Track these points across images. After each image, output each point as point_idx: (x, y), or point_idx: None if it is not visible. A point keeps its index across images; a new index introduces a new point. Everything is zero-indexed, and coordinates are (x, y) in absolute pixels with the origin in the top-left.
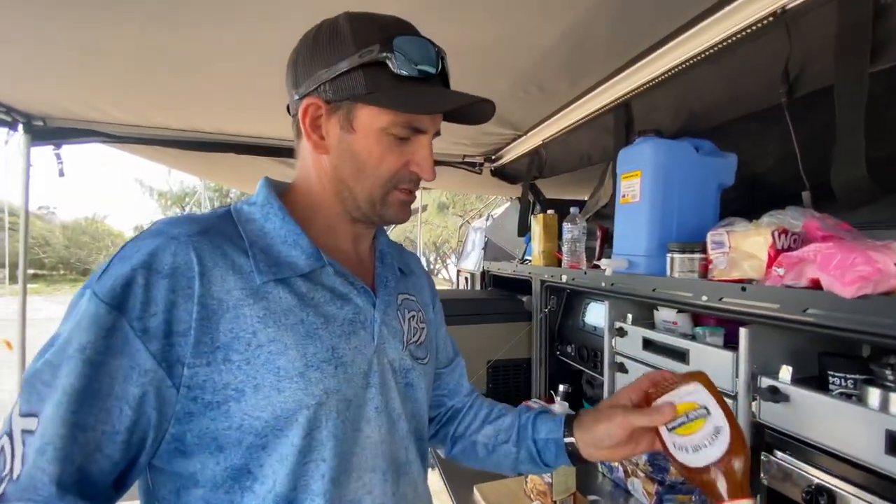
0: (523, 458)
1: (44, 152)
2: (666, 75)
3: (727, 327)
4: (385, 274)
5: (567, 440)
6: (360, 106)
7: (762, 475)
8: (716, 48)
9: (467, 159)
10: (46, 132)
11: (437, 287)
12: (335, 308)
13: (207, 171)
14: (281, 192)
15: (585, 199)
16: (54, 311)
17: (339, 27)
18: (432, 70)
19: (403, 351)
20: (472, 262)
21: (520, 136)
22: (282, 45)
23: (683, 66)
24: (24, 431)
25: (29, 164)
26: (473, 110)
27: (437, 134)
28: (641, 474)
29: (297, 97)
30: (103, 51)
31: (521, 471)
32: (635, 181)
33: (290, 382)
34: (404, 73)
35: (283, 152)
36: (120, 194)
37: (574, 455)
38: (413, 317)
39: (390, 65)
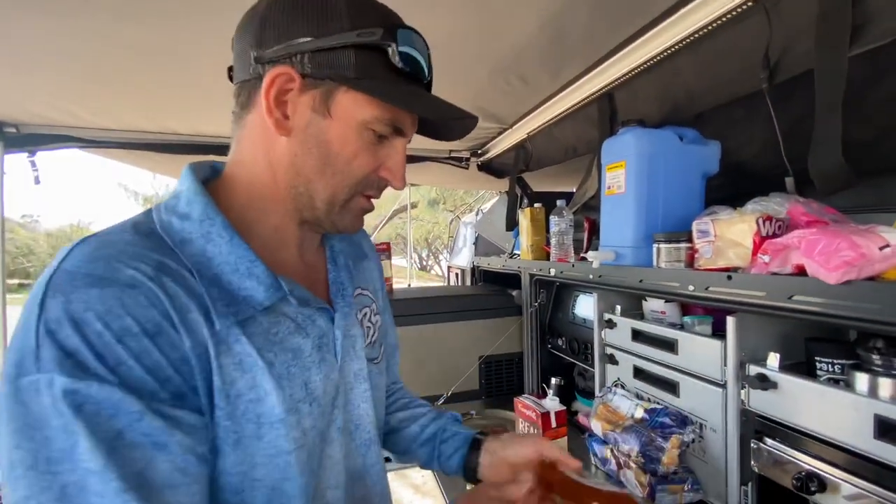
0: (422, 445)
1: (19, 160)
2: (647, 64)
3: (715, 316)
4: (340, 279)
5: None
6: (345, 90)
7: (752, 463)
8: (696, 35)
9: (454, 154)
10: (19, 139)
11: (429, 283)
12: (300, 338)
13: None
14: (210, 184)
15: (573, 191)
16: None
17: None
18: (426, 73)
19: (362, 359)
20: (463, 257)
21: (505, 130)
22: None
23: (665, 54)
24: None
25: (2, 172)
26: (455, 125)
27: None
28: (634, 465)
29: (256, 57)
30: (72, 51)
31: (412, 454)
32: (620, 172)
33: (270, 429)
34: (402, 66)
35: None
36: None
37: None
38: (366, 315)
39: (390, 53)
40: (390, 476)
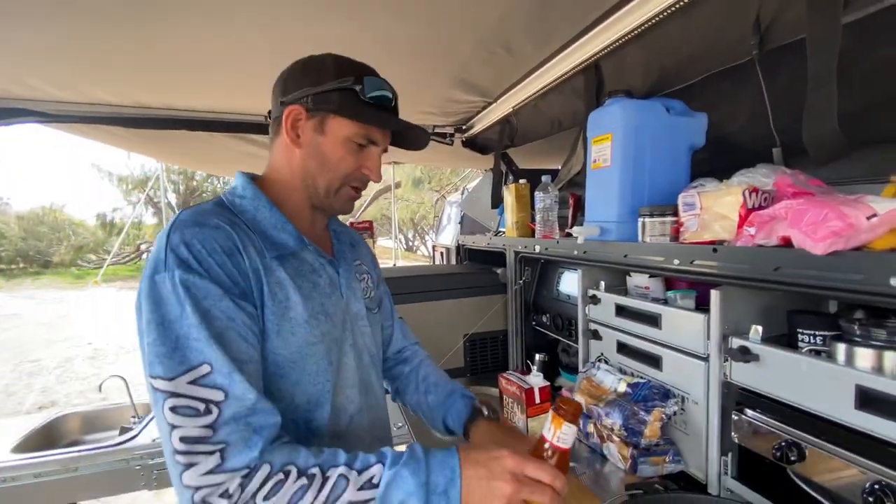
0: (427, 408)
1: None
2: (635, 32)
3: (699, 290)
4: (342, 248)
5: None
6: (333, 117)
7: (733, 434)
8: (687, 0)
9: (437, 130)
10: None
11: (415, 263)
12: (316, 276)
13: (161, 152)
14: (255, 181)
15: (559, 168)
16: (20, 307)
17: (325, 61)
18: (388, 103)
19: (361, 303)
20: (449, 236)
21: (490, 104)
22: (230, 5)
23: (653, 21)
24: (199, 378)
25: None
26: (415, 137)
27: (385, 150)
28: (617, 439)
29: (281, 102)
30: (25, 16)
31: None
32: (606, 145)
33: (300, 328)
34: (368, 99)
35: (242, 127)
36: (77, 181)
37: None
38: (364, 278)
39: (359, 92)
40: None
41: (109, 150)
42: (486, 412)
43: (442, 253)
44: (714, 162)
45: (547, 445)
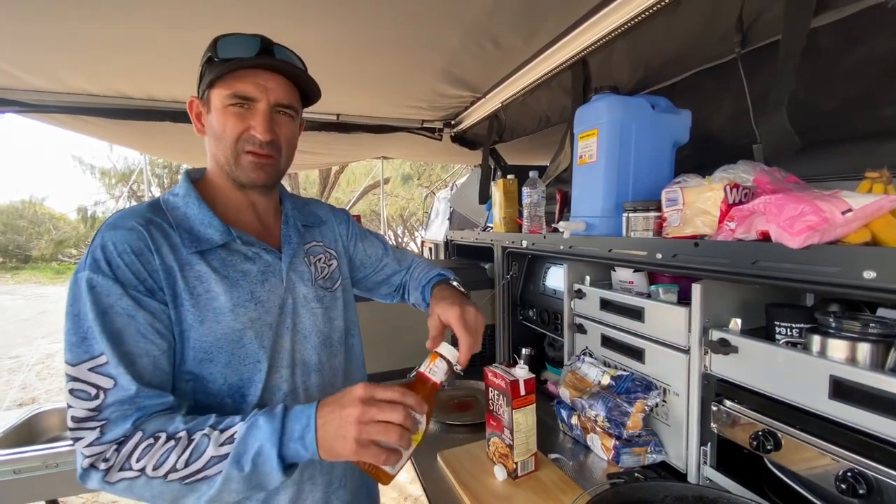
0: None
1: None
2: (622, 28)
3: (682, 284)
4: (288, 233)
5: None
6: (208, 92)
7: (712, 424)
8: None
9: (426, 125)
10: None
11: None
12: (249, 265)
13: (144, 144)
14: (199, 178)
15: (547, 164)
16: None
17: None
18: (245, 54)
19: (311, 287)
20: (438, 232)
21: (478, 99)
22: None
23: (640, 17)
24: (97, 366)
25: None
26: (301, 81)
27: (290, 108)
28: (600, 430)
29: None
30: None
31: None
32: (592, 141)
33: (224, 316)
34: (222, 57)
35: None
36: (58, 174)
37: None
38: (320, 258)
39: (213, 57)
40: None
41: (91, 141)
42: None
43: (430, 248)
44: (698, 158)
45: (414, 374)
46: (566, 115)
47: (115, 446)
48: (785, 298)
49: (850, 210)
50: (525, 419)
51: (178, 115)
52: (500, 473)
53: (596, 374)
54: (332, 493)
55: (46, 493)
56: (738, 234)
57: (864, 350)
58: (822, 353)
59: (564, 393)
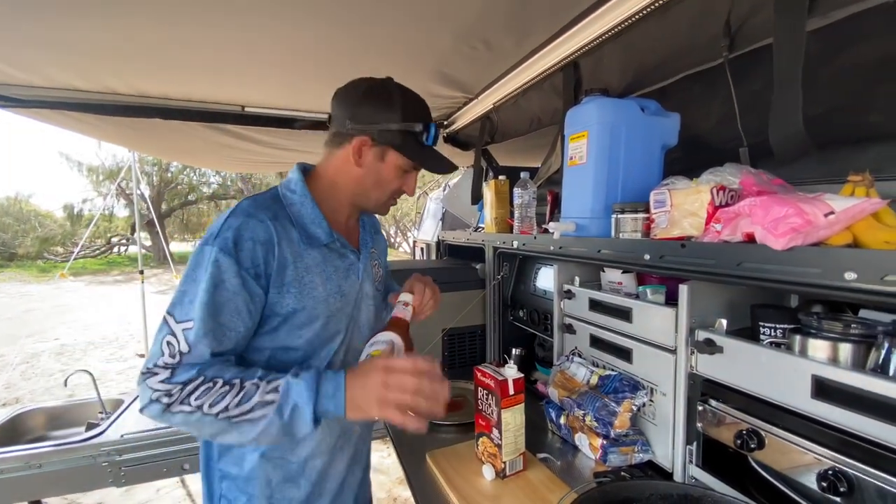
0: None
1: None
2: (613, 31)
3: (669, 285)
4: (366, 237)
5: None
6: (393, 150)
7: (698, 423)
8: (662, 1)
9: None
10: None
11: (396, 259)
12: (339, 262)
13: (133, 141)
14: (307, 173)
15: (539, 166)
16: None
17: (392, 97)
18: (431, 142)
19: (373, 287)
20: (430, 232)
21: (471, 100)
22: None
23: (630, 20)
24: (185, 330)
25: None
26: (445, 168)
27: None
28: (588, 429)
29: (350, 127)
30: None
31: None
32: (582, 142)
33: (318, 304)
34: (425, 142)
35: (219, 117)
36: (45, 171)
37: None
38: (375, 264)
39: (420, 136)
40: None
41: (79, 138)
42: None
43: (422, 248)
44: (687, 161)
45: (388, 319)
46: (558, 117)
47: (180, 386)
48: (770, 300)
49: (832, 212)
50: (514, 418)
51: (168, 113)
52: (488, 473)
53: (584, 374)
54: (352, 466)
55: (29, 493)
56: (724, 235)
57: (845, 350)
58: (805, 353)
59: (553, 393)
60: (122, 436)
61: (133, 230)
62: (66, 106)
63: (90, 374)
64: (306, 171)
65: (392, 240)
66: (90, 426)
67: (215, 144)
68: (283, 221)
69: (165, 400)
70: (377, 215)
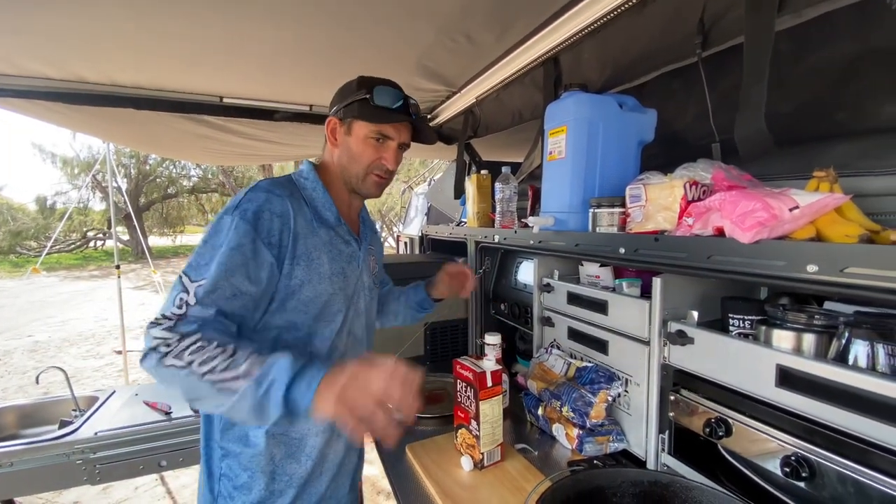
0: (404, 306)
1: None
2: (591, 27)
3: (644, 278)
4: (365, 231)
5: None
6: (354, 121)
7: (670, 412)
8: None
9: None
10: None
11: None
12: (344, 246)
13: (108, 132)
14: (316, 167)
15: (521, 161)
16: None
17: (352, 82)
18: (394, 105)
19: (370, 278)
20: (415, 227)
21: (454, 94)
22: None
23: (608, 17)
24: (198, 287)
25: None
26: (423, 130)
27: (406, 146)
28: (565, 420)
29: (328, 114)
30: None
31: (401, 314)
32: (561, 137)
33: (323, 280)
34: (378, 104)
35: (194, 108)
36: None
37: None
38: (374, 259)
39: (370, 99)
40: None
41: (52, 129)
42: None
43: (405, 243)
44: (664, 157)
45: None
46: (539, 112)
47: (178, 337)
48: (741, 292)
49: (797, 207)
50: (492, 410)
51: (141, 102)
52: (466, 464)
53: (562, 366)
54: (349, 449)
55: (2, 493)
56: (696, 229)
57: (808, 340)
58: (770, 343)
59: (532, 385)
60: (96, 433)
61: (109, 224)
62: (36, 95)
63: (63, 370)
64: (315, 166)
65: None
66: (63, 424)
67: (192, 136)
68: (298, 200)
69: (163, 349)
70: (375, 216)
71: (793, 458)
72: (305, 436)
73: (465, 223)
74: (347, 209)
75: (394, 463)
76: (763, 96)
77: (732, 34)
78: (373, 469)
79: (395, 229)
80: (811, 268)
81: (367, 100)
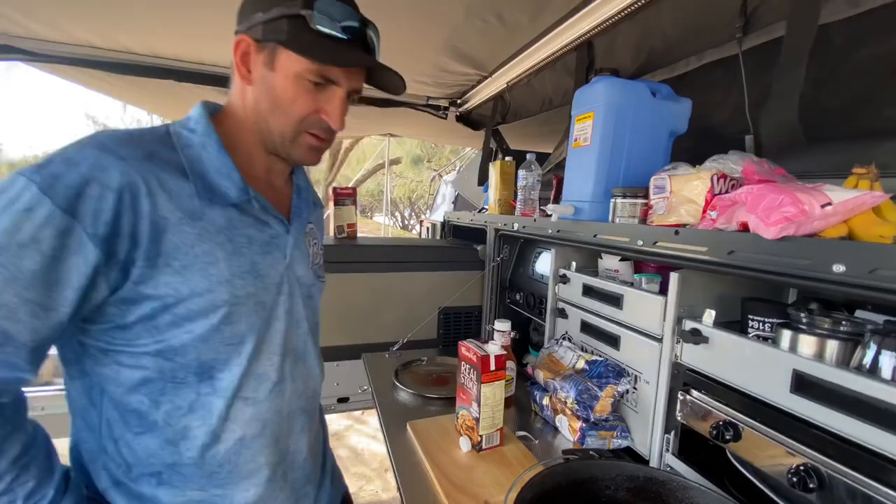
0: None
1: None
2: (629, 9)
3: (665, 274)
4: (300, 206)
5: None
6: (282, 49)
7: (678, 412)
8: None
9: (431, 102)
10: None
11: (400, 237)
12: (256, 231)
13: (152, 103)
14: (214, 115)
15: (550, 152)
16: None
17: None
18: (345, 35)
19: (309, 270)
20: (440, 214)
21: (485, 78)
22: None
23: None
24: None
25: None
26: (388, 79)
27: (357, 93)
28: (569, 412)
29: (236, 31)
30: None
31: None
32: (588, 123)
33: (219, 286)
34: (321, 29)
35: (226, 82)
36: (70, 132)
37: None
38: (315, 243)
39: (308, 19)
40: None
41: (105, 100)
42: None
43: (428, 228)
44: (697, 150)
45: None
46: (569, 98)
47: None
48: (764, 294)
49: (829, 203)
50: (493, 394)
51: (182, 75)
52: (464, 445)
53: (572, 358)
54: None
55: None
56: (719, 224)
57: (830, 347)
58: (788, 347)
59: (539, 374)
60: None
61: None
62: (82, 62)
63: None
64: (216, 112)
65: (407, 222)
66: None
67: None
68: (163, 166)
69: None
70: (334, 187)
71: (801, 467)
72: (230, 494)
73: (487, 210)
74: (265, 174)
75: (394, 437)
76: (798, 86)
77: (775, 18)
78: (382, 447)
79: (423, 217)
80: (838, 268)
81: (302, 19)
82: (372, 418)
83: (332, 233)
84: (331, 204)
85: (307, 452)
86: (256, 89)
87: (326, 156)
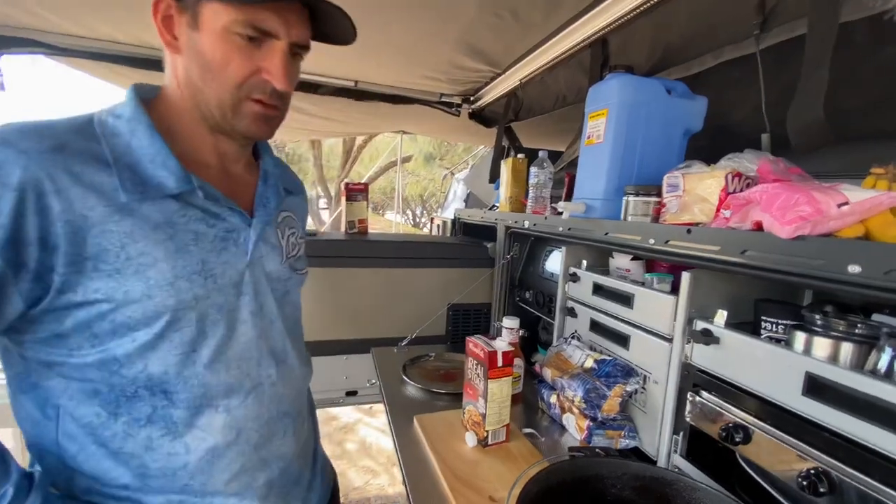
0: None
1: None
2: (644, 6)
3: (677, 274)
4: (266, 194)
5: None
6: (204, 2)
7: (687, 413)
8: None
9: (444, 98)
10: None
11: (411, 234)
12: (206, 226)
13: None
14: (149, 99)
15: (563, 150)
16: None
17: None
18: None
19: (283, 264)
20: (452, 212)
21: (498, 75)
22: None
23: None
24: None
25: None
26: (336, 25)
27: (303, 48)
28: (576, 411)
29: None
30: None
31: None
32: (601, 121)
33: (160, 290)
34: None
35: None
36: None
37: None
38: (293, 233)
39: None
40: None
41: (117, 91)
42: None
43: (438, 225)
44: (713, 150)
45: None
46: (582, 95)
47: None
48: (778, 296)
49: (846, 203)
50: (500, 390)
51: None
52: (470, 440)
53: (580, 357)
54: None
55: None
56: (733, 223)
57: (844, 349)
58: (802, 349)
59: (546, 372)
60: None
61: None
62: (104, 57)
63: None
64: (151, 95)
65: (418, 220)
66: None
67: None
68: (78, 158)
69: None
70: (346, 182)
71: (812, 471)
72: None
73: (498, 207)
74: (217, 160)
75: (401, 431)
76: (824, 84)
77: (794, 16)
78: (390, 442)
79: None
80: (853, 268)
81: None
82: (381, 413)
83: (343, 228)
84: (343, 199)
85: (294, 456)
86: (186, 57)
87: (340, 152)
